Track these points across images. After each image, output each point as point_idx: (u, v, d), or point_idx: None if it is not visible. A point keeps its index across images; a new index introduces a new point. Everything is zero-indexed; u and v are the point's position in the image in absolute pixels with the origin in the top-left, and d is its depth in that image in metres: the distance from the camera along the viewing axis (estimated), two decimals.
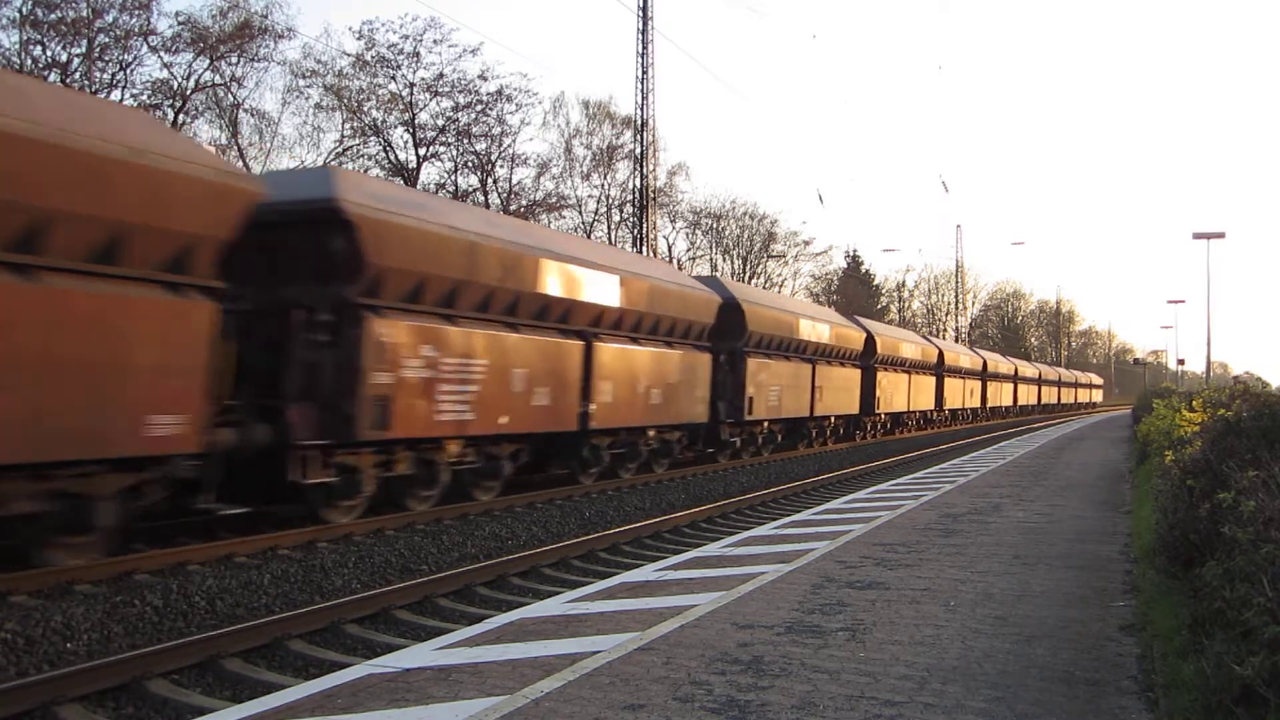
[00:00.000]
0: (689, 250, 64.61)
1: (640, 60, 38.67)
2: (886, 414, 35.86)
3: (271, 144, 43.46)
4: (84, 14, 34.77)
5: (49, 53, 35.19)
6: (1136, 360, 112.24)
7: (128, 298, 8.90)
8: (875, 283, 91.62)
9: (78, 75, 35.32)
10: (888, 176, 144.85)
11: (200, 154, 10.14)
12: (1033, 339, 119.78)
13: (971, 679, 5.55)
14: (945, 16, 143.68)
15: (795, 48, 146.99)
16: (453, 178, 47.70)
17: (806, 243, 71.75)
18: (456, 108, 45.09)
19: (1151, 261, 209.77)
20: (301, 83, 43.28)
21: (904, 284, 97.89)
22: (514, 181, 49.95)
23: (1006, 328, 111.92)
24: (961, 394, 48.04)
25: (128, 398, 8.92)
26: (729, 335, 21.94)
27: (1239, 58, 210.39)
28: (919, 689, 5.34)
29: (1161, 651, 6.01)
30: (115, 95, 36.07)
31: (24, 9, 33.78)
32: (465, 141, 46.65)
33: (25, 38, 34.41)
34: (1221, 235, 36.15)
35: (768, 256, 68.95)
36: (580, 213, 53.84)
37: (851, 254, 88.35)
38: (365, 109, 44.45)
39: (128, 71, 37.09)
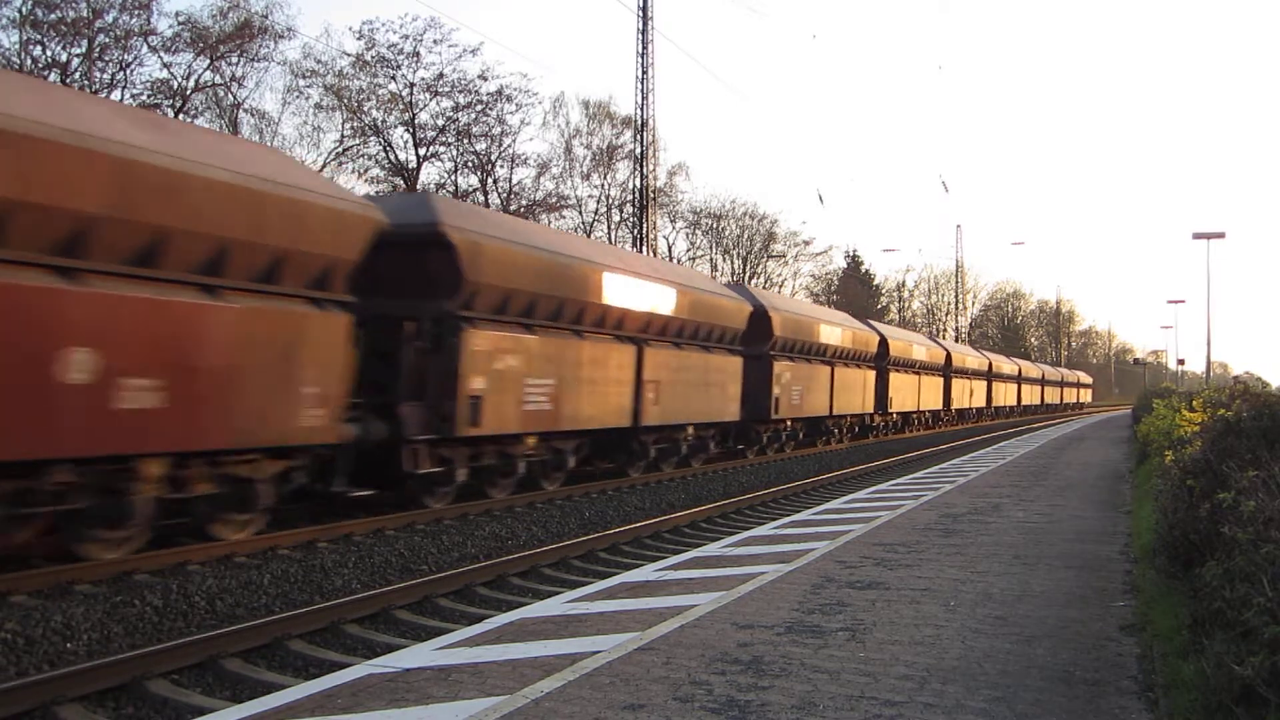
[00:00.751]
0: (689, 250, 64.66)
1: (640, 60, 38.69)
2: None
3: (271, 144, 43.44)
4: (84, 14, 34.78)
5: (49, 53, 35.23)
6: (1136, 360, 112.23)
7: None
8: (875, 283, 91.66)
9: (78, 75, 35.33)
10: (888, 176, 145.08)
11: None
12: (1033, 339, 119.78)
13: (971, 679, 5.55)
14: (945, 16, 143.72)
15: (795, 48, 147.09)
16: (453, 178, 47.76)
17: (806, 243, 71.83)
18: (456, 108, 45.13)
19: (1151, 261, 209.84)
20: (301, 83, 43.32)
21: (904, 284, 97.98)
22: (514, 181, 50.01)
23: (1006, 328, 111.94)
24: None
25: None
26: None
27: (1239, 58, 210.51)
28: (919, 689, 5.34)
29: (1161, 651, 6.01)
30: (115, 95, 36.09)
31: (24, 9, 33.79)
32: (465, 141, 46.70)
33: (25, 38, 34.43)
34: (1221, 235, 36.12)
35: (768, 256, 69.00)
36: (580, 213, 53.89)
37: (851, 254, 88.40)
38: (365, 109, 44.49)
39: (128, 71, 37.16)
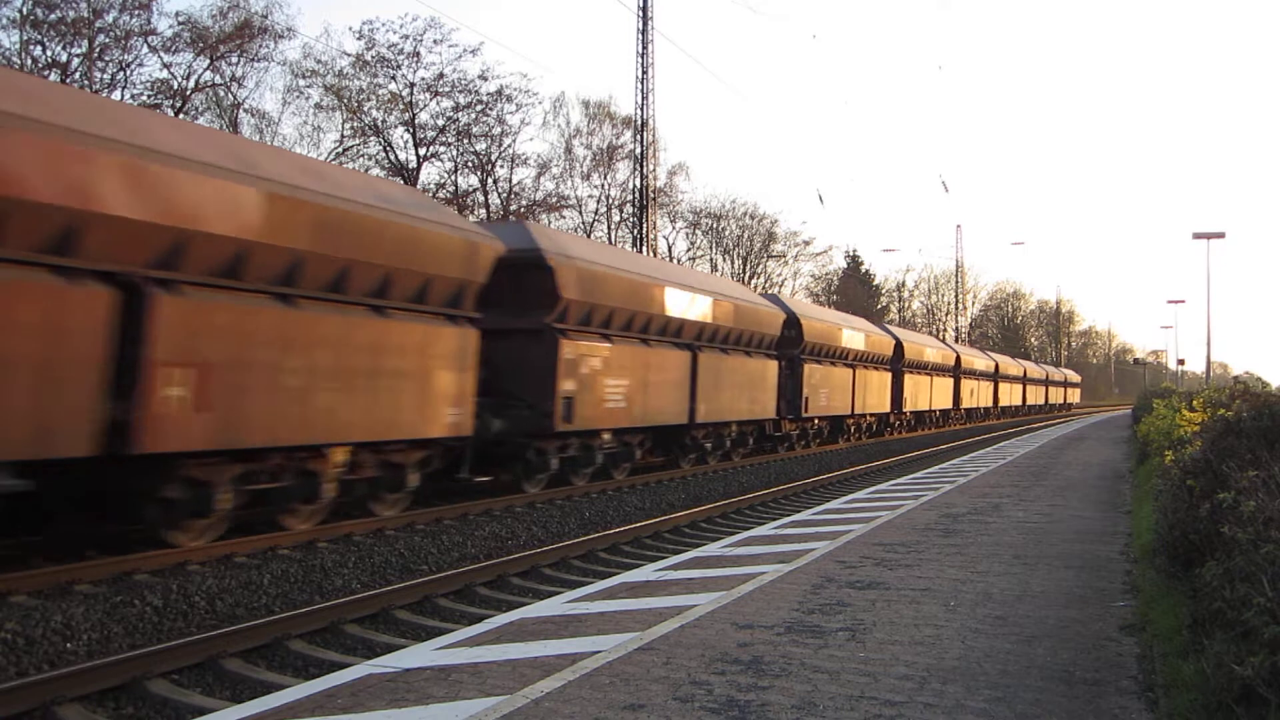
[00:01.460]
0: (689, 250, 64.68)
1: (640, 60, 38.69)
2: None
3: (271, 144, 43.45)
4: (84, 14, 34.79)
5: (49, 53, 35.24)
6: (1136, 360, 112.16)
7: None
8: (875, 283, 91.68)
9: (78, 75, 35.33)
10: (888, 176, 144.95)
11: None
12: (1033, 339, 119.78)
13: (971, 679, 5.55)
14: (945, 16, 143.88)
15: (795, 48, 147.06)
16: (453, 178, 47.77)
17: (806, 243, 71.88)
18: (456, 108, 45.14)
19: (1151, 261, 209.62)
20: (301, 83, 43.37)
21: (904, 284, 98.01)
22: (514, 181, 50.01)
23: (1006, 328, 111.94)
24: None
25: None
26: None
27: (1239, 58, 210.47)
28: (919, 689, 5.34)
29: (1161, 651, 6.01)
30: (115, 95, 36.09)
31: (24, 9, 33.80)
32: (465, 141, 46.70)
33: (25, 38, 34.44)
34: (1221, 235, 36.04)
35: (768, 256, 69.01)
36: (580, 213, 53.90)
37: (851, 254, 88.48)
38: (365, 109, 44.51)
39: (128, 71, 37.18)
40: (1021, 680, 5.56)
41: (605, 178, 54.04)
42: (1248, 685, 4.07)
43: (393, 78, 44.01)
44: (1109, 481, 18.09)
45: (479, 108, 45.46)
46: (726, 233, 66.26)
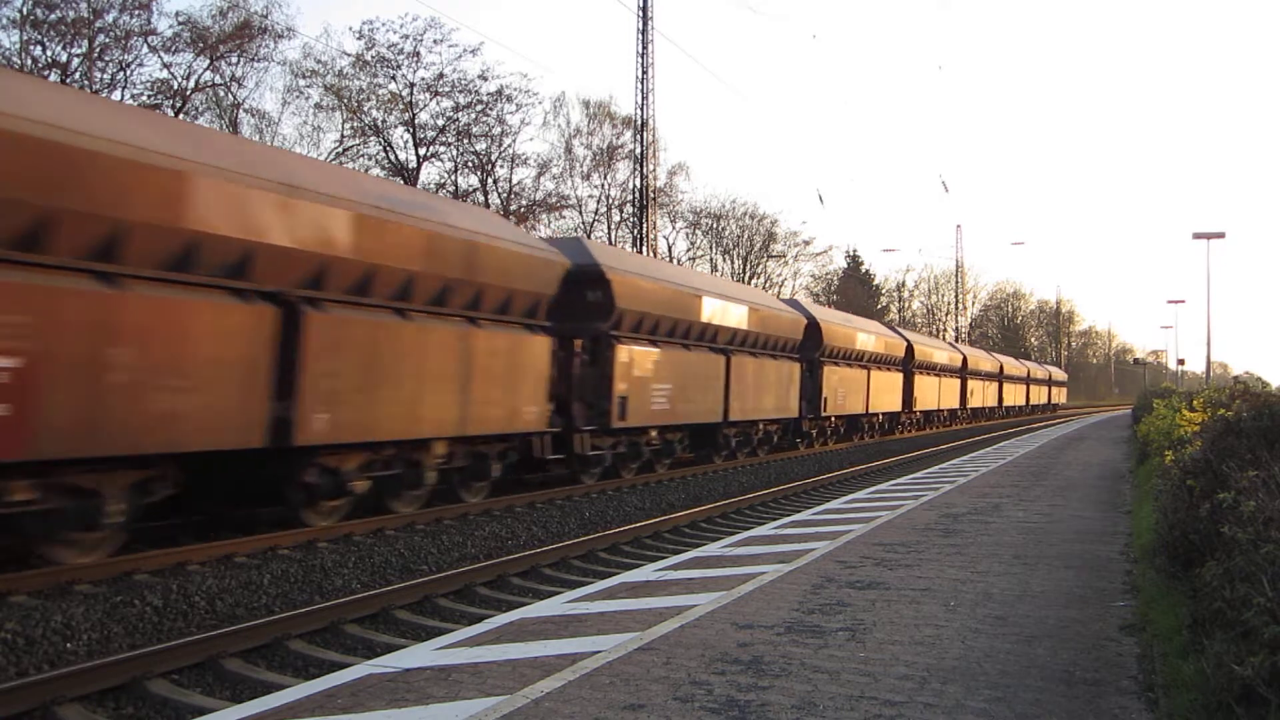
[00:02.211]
0: (689, 250, 64.69)
1: (640, 60, 38.69)
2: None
3: (271, 144, 43.46)
4: (84, 14, 34.79)
5: (49, 53, 35.24)
6: (1136, 360, 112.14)
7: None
8: (875, 283, 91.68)
9: (78, 75, 35.34)
10: (888, 176, 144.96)
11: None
12: (1033, 339, 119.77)
13: (971, 679, 5.55)
14: (945, 16, 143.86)
15: (795, 48, 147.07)
16: (453, 178, 47.77)
17: (806, 243, 71.90)
18: (456, 108, 45.17)
19: (1151, 261, 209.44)
20: (301, 83, 43.38)
21: (904, 284, 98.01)
22: (514, 181, 50.02)
23: (1006, 328, 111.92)
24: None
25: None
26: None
27: (1239, 58, 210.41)
28: (919, 689, 5.34)
29: (1161, 651, 6.01)
30: (115, 95, 36.10)
31: (24, 9, 33.80)
32: (465, 141, 46.73)
33: (25, 38, 34.44)
34: (1221, 235, 36.05)
35: (768, 256, 69.02)
36: (580, 213, 53.92)
37: (851, 254, 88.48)
38: (365, 109, 44.52)
39: (128, 72, 37.18)
40: (1021, 680, 5.56)
41: (605, 178, 54.11)
42: (1248, 685, 4.07)
43: (393, 78, 44.06)
44: (1109, 481, 18.09)
45: (479, 108, 45.52)
46: (726, 233, 66.34)
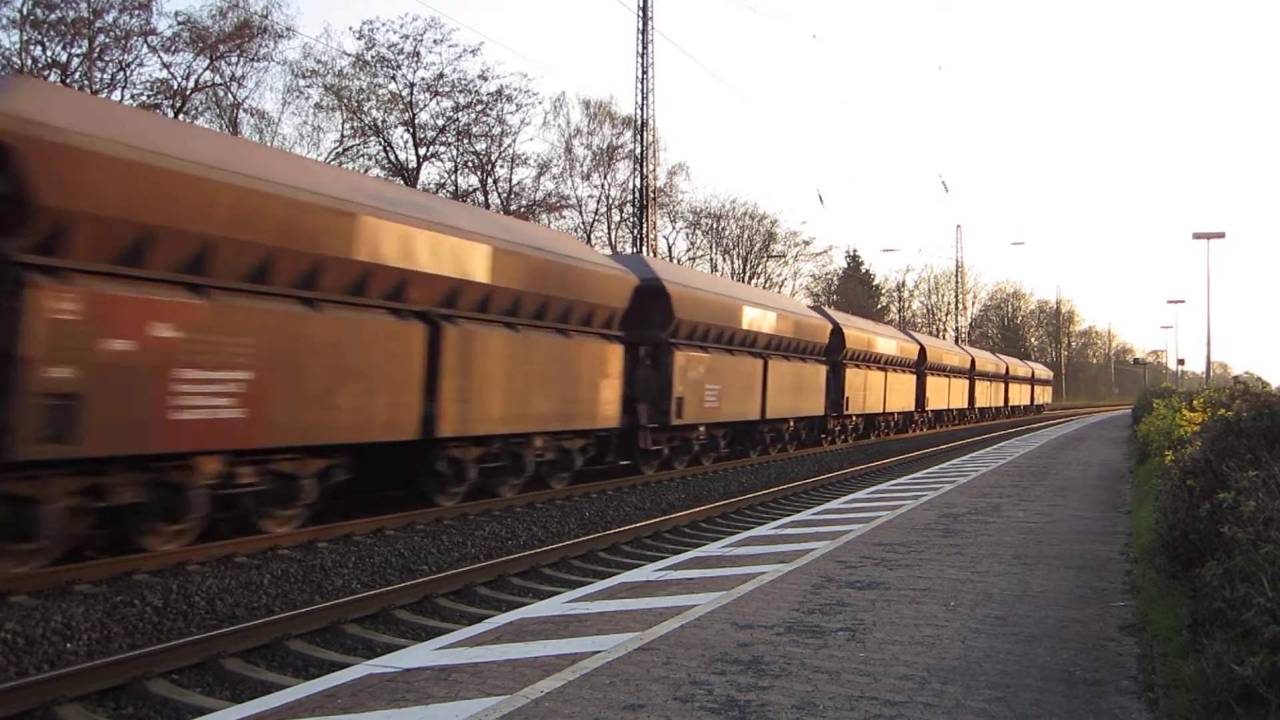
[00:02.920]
0: (689, 250, 64.67)
1: (640, 60, 38.69)
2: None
3: (271, 144, 43.46)
4: (84, 14, 34.79)
5: (49, 53, 35.23)
6: (1136, 360, 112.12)
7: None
8: (875, 283, 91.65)
9: (78, 75, 35.33)
10: (888, 176, 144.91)
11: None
12: (1033, 339, 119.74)
13: (971, 679, 5.55)
14: (945, 16, 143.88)
15: (795, 48, 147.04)
16: (453, 178, 47.78)
17: (806, 243, 71.89)
18: (456, 108, 45.18)
19: (1151, 261, 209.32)
20: (301, 83, 43.38)
21: (904, 284, 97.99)
22: (514, 181, 50.02)
23: (1006, 328, 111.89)
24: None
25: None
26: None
27: (1239, 57, 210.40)
28: (919, 689, 5.34)
29: (1161, 651, 6.01)
30: (115, 95, 36.10)
31: (24, 9, 33.79)
32: (465, 141, 46.74)
33: (25, 38, 34.43)
34: (1221, 235, 36.01)
35: (768, 256, 69.00)
36: (580, 213, 53.91)
37: (851, 254, 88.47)
38: (365, 109, 44.52)
39: (128, 71, 37.17)
40: (1021, 680, 5.56)
41: (605, 178, 54.11)
42: (1248, 685, 4.07)
43: (393, 78, 44.07)
44: (1109, 481, 18.09)
45: (479, 108, 45.53)
46: (726, 233, 66.33)
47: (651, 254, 40.92)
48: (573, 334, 15.91)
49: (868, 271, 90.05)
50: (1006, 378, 59.43)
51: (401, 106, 44.29)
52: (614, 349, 17.17)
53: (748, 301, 23.28)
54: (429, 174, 47.25)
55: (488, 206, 47.23)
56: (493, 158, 48.07)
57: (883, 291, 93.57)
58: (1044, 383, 71.78)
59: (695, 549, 10.51)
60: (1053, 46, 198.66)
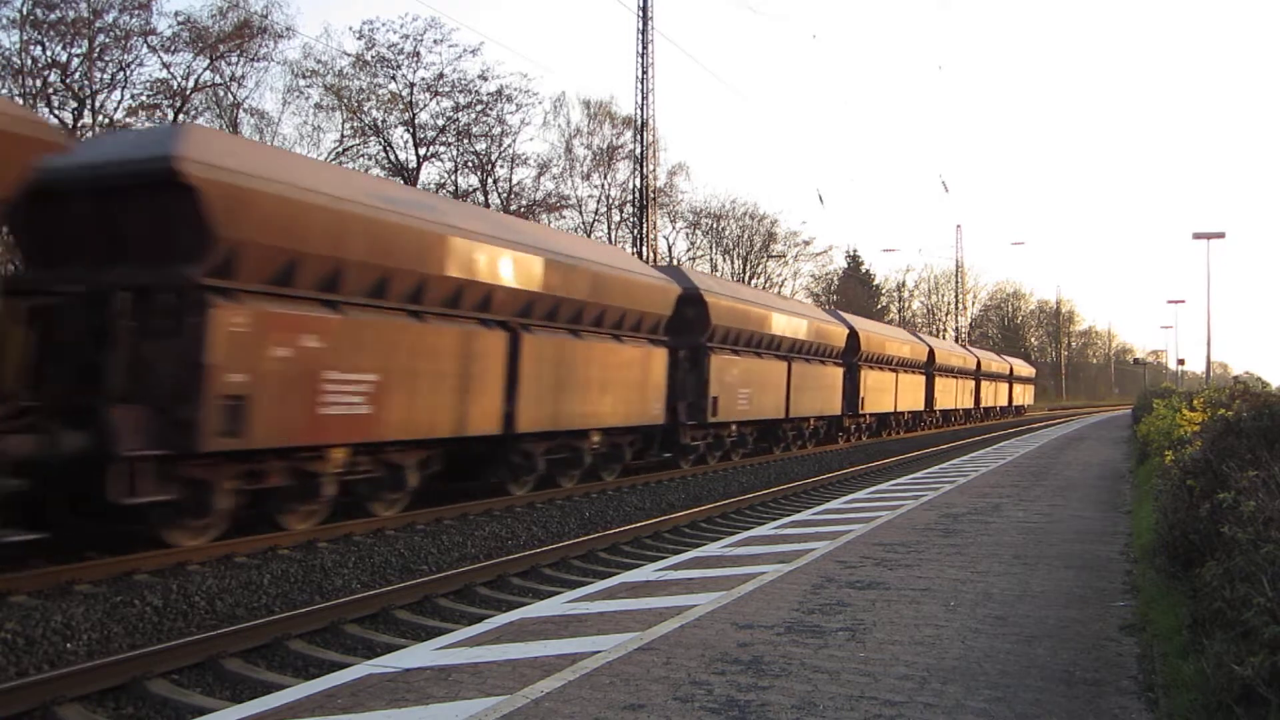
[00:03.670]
0: (689, 250, 64.63)
1: (640, 60, 38.69)
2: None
3: (271, 144, 43.43)
4: (84, 14, 34.76)
5: (49, 53, 35.19)
6: (1136, 360, 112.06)
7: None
8: (875, 283, 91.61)
9: (77, 75, 35.32)
10: (888, 176, 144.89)
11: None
12: (1033, 339, 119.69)
13: (971, 679, 5.55)
14: (945, 16, 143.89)
15: (795, 48, 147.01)
16: (453, 178, 47.75)
17: (806, 243, 71.83)
18: (456, 108, 45.13)
19: (1151, 261, 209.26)
20: (301, 82, 43.32)
21: (904, 284, 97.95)
22: (514, 181, 50.00)
23: (1006, 328, 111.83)
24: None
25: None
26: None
27: (1239, 57, 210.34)
28: (919, 689, 5.34)
29: (1161, 651, 6.01)
30: (115, 95, 36.11)
31: (24, 9, 33.77)
32: (465, 141, 46.70)
33: (25, 38, 34.40)
34: (1221, 235, 36.02)
35: (768, 256, 68.97)
36: (580, 213, 53.89)
37: (851, 254, 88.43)
38: (365, 109, 44.48)
39: (128, 71, 37.09)
40: (1021, 680, 5.56)
41: (605, 178, 54.07)
42: (1248, 685, 4.07)
43: (393, 78, 44.03)
44: (1109, 481, 18.09)
45: (479, 108, 45.48)
46: (726, 233, 66.29)
47: (651, 254, 40.93)
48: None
49: (868, 271, 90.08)
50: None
51: (401, 106, 44.28)
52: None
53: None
54: (429, 174, 47.26)
55: (488, 206, 47.26)
56: (493, 158, 48.07)
57: (883, 291, 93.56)
58: (995, 377, 67.12)
59: (695, 549, 10.51)
60: (1053, 46, 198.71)
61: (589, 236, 50.53)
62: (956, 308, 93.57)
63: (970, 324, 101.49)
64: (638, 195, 40.58)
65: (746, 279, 64.67)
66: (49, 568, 8.92)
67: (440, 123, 45.37)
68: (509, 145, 48.20)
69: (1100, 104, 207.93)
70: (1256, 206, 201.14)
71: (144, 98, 37.23)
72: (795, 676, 5.51)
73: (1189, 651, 5.38)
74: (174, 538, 10.01)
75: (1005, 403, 60.13)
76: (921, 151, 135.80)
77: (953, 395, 46.38)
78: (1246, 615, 4.43)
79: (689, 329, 20.43)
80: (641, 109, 39.16)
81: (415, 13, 57.15)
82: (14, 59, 34.04)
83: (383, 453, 12.35)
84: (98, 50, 35.73)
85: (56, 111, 34.24)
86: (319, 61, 43.66)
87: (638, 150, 40.35)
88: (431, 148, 45.90)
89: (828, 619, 6.88)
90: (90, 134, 32.41)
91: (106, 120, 35.29)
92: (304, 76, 43.09)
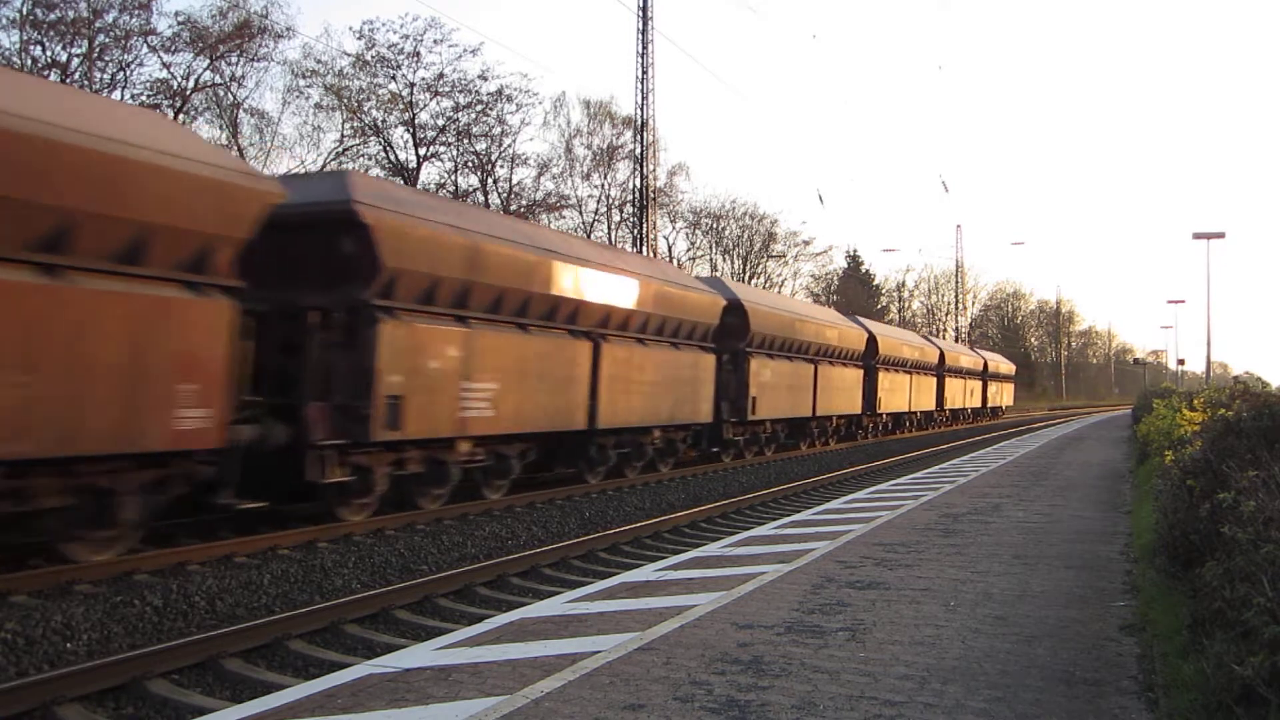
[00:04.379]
0: (689, 250, 64.62)
1: (640, 60, 38.67)
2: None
3: (271, 144, 43.47)
4: (84, 14, 34.75)
5: (49, 53, 35.20)
6: (1136, 360, 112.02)
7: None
8: (875, 283, 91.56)
9: (78, 75, 35.31)
10: (888, 176, 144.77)
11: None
12: (1033, 339, 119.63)
13: (972, 679, 5.55)
14: (945, 16, 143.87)
15: (795, 48, 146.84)
16: (453, 178, 47.74)
17: (806, 243, 71.75)
18: (456, 108, 45.11)
19: (1151, 261, 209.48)
20: (301, 82, 43.27)
21: (904, 284, 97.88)
22: (514, 181, 49.98)
23: (1006, 328, 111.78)
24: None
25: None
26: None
27: (1239, 57, 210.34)
28: (919, 689, 5.34)
29: (1161, 651, 6.01)
30: (115, 95, 36.07)
31: (24, 9, 33.77)
32: (465, 141, 46.68)
33: (25, 38, 34.41)
34: (1221, 235, 36.03)
35: (768, 256, 68.95)
36: (580, 213, 53.85)
37: (851, 254, 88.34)
38: (365, 109, 44.46)
39: (128, 71, 37.11)
40: (1021, 680, 5.56)
41: (605, 178, 54.02)
42: (1248, 685, 4.07)
43: (393, 78, 44.01)
44: (1109, 481, 18.09)
45: (479, 108, 45.46)
46: (726, 233, 66.25)
47: (651, 254, 40.95)
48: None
49: (868, 271, 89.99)
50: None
51: (401, 106, 44.26)
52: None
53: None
54: (429, 174, 47.24)
55: (488, 206, 47.25)
56: (493, 158, 48.05)
57: (883, 291, 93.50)
58: (966, 375, 51.57)
59: (695, 549, 10.51)
60: (1053, 46, 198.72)
61: (589, 236, 50.53)
62: (956, 308, 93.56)
63: (970, 324, 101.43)
64: (638, 195, 40.57)
65: (747, 279, 64.66)
66: (49, 568, 8.92)
67: (440, 123, 45.39)
68: (509, 145, 48.21)
69: (1100, 104, 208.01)
70: (1256, 206, 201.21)
71: (144, 98, 37.23)
72: (795, 676, 5.51)
73: (1189, 651, 5.38)
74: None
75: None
76: (921, 151, 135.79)
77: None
78: (1246, 615, 4.43)
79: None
80: (641, 109, 39.17)
81: (415, 13, 57.04)
82: (14, 59, 34.04)
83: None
84: (98, 50, 35.76)
85: None
86: (319, 61, 43.64)
87: (638, 150, 40.36)
88: (431, 148, 45.90)
89: (828, 619, 6.88)
90: None
91: None
92: (304, 76, 43.07)
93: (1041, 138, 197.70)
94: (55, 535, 9.12)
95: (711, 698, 5.10)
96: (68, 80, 34.62)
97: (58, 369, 8.28)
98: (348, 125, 44.74)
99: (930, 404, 42.44)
